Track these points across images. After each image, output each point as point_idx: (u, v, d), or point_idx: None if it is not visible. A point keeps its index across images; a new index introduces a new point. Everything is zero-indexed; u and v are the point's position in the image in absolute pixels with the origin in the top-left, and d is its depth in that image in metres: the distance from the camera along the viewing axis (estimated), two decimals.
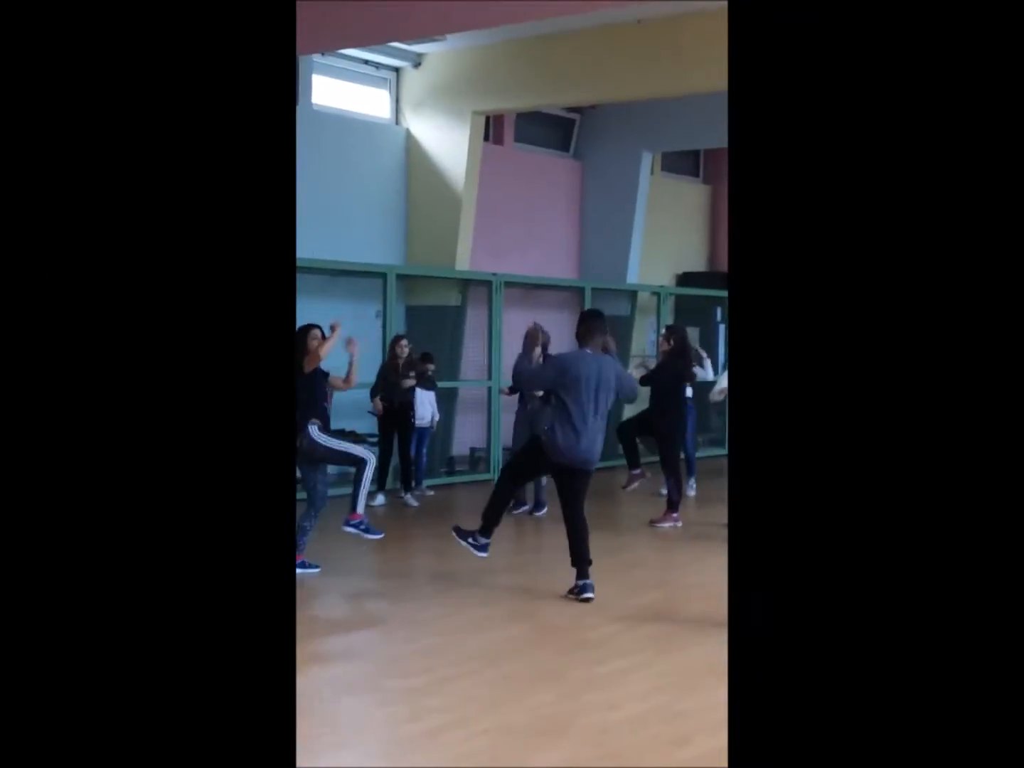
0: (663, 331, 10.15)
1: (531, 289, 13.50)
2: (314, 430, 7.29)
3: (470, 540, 7.13)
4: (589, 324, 7.02)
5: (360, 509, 7.44)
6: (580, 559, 6.81)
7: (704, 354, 10.59)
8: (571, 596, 6.74)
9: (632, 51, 11.27)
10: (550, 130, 14.86)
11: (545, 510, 9.82)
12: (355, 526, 7.50)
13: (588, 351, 6.92)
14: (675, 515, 9.46)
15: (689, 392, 10.62)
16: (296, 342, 7.16)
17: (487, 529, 7.10)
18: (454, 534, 7.21)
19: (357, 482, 7.44)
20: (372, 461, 7.45)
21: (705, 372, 10.71)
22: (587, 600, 6.69)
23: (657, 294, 14.59)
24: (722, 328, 15.40)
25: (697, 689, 5.12)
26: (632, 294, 14.53)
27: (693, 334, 15.25)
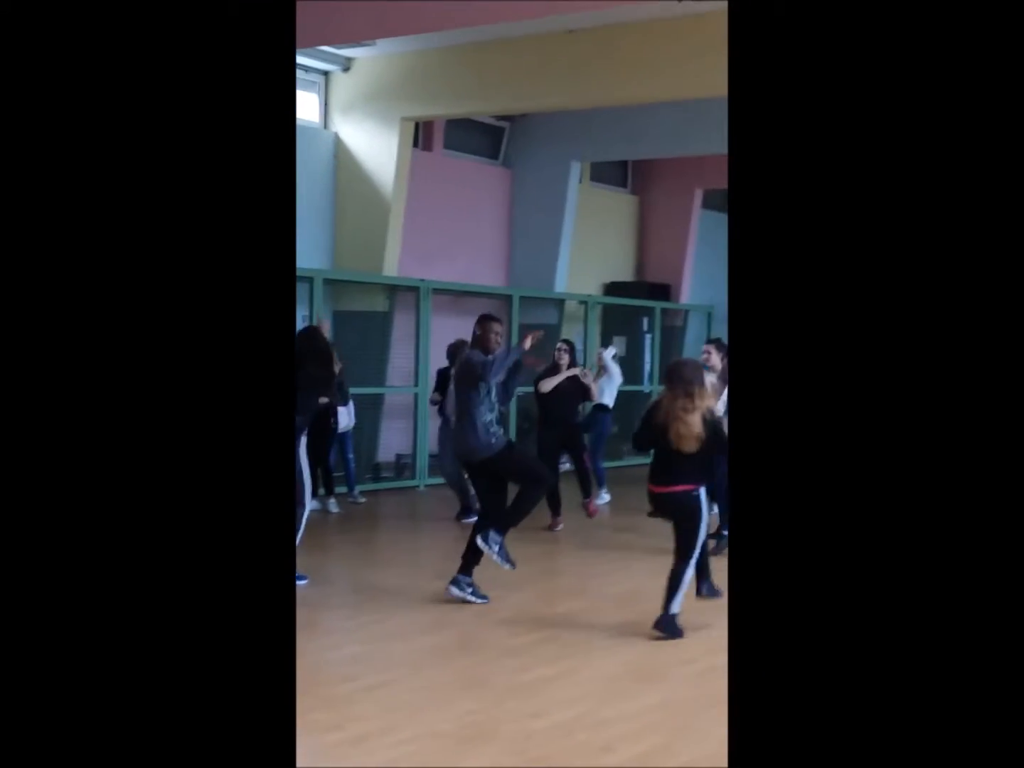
0: (561, 345, 10.09)
1: (459, 296, 13.49)
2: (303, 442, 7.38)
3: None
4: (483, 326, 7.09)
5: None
6: (505, 518, 6.81)
7: (587, 370, 10.47)
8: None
9: (562, 61, 11.32)
10: (480, 138, 14.87)
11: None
12: None
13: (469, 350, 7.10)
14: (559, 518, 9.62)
15: (610, 402, 10.72)
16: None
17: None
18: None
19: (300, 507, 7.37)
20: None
21: (610, 383, 10.75)
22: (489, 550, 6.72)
23: (585, 303, 14.66)
24: (648, 338, 15.50)
25: (620, 696, 5.15)
26: (560, 303, 14.58)
27: (620, 343, 15.38)
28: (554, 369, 9.86)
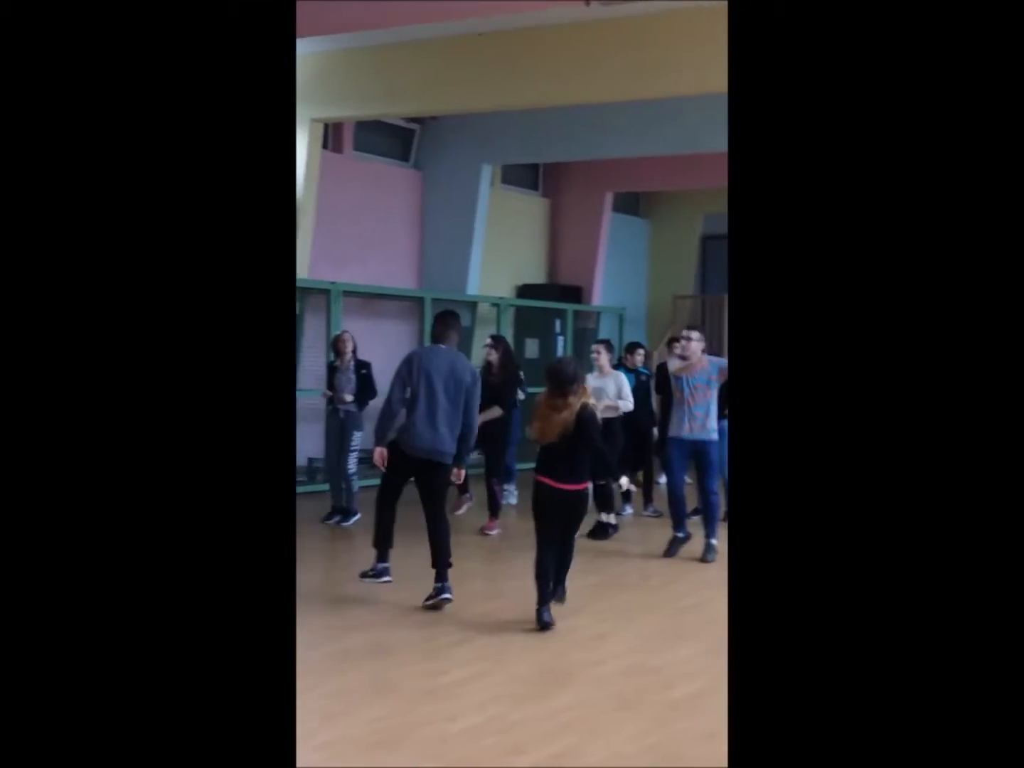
0: (489, 341, 10.13)
1: (370, 298, 13.42)
2: None
3: (370, 575, 7.21)
4: (445, 322, 7.13)
5: None
6: (439, 562, 6.82)
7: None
8: (428, 603, 6.74)
9: (473, 64, 11.33)
10: (390, 139, 14.81)
11: (357, 517, 9.80)
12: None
13: (442, 346, 7.03)
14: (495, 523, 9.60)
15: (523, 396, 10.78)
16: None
17: (382, 554, 7.21)
18: (364, 581, 7.21)
19: None
20: None
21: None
22: (445, 602, 6.73)
23: (497, 305, 14.68)
24: (561, 340, 15.58)
25: (532, 699, 5.17)
26: (472, 305, 14.59)
27: (533, 345, 15.44)
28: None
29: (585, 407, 6.21)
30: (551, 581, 6.34)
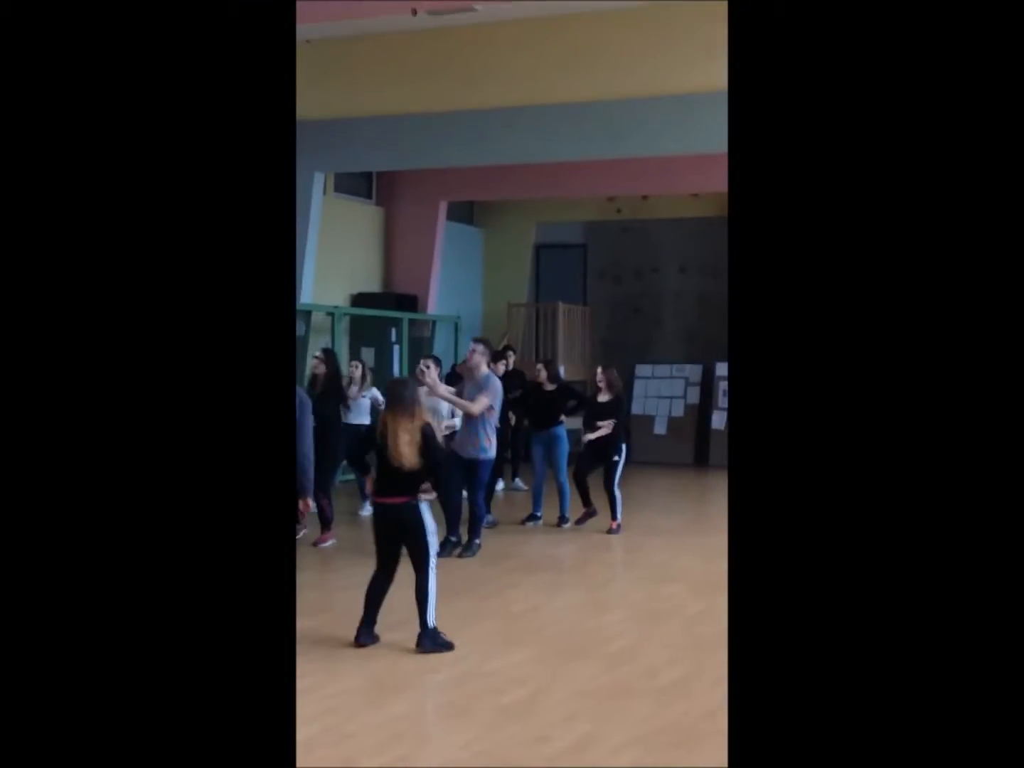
0: (319, 354, 10.06)
1: None
2: None
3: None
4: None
5: None
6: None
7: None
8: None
9: (301, 70, 11.21)
10: None
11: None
12: None
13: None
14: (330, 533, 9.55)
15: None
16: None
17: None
18: None
19: None
20: None
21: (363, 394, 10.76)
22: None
23: (332, 314, 14.56)
24: (396, 348, 15.54)
25: (364, 710, 5.14)
26: (307, 314, 14.43)
27: (368, 354, 15.35)
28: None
29: (427, 426, 6.28)
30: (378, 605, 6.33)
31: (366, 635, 6.25)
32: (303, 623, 6.69)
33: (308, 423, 7.01)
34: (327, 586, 8.21)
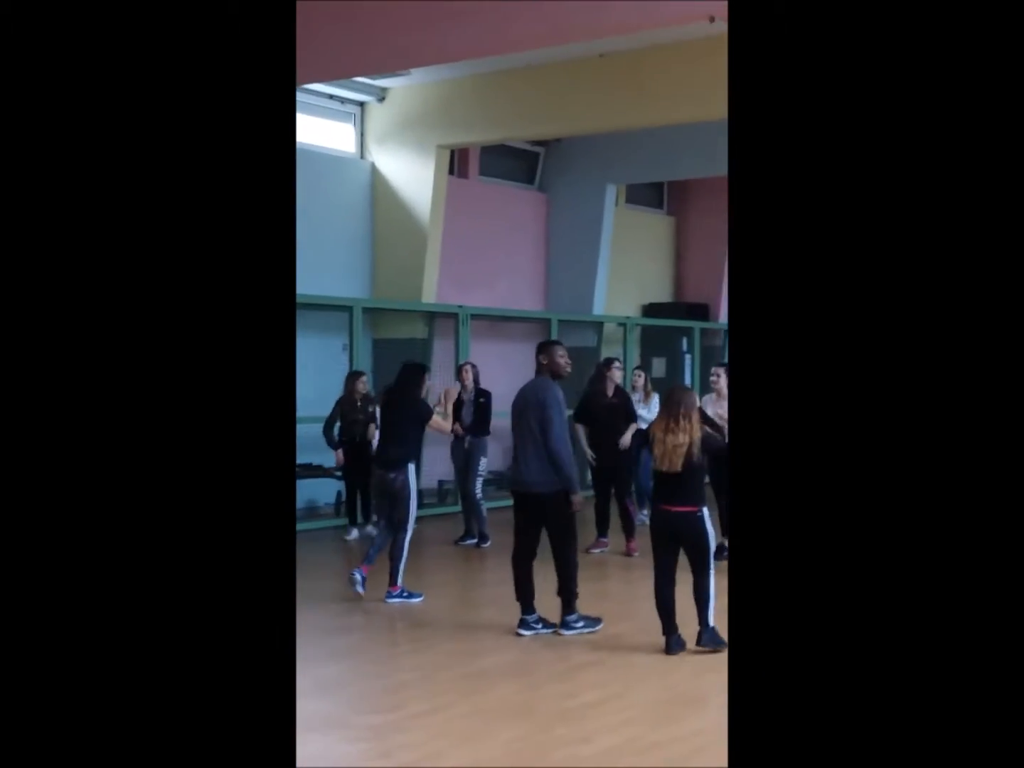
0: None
1: (497, 321, 13.52)
2: (412, 469, 7.70)
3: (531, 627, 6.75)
4: (538, 350, 6.88)
5: (399, 579, 7.64)
6: (565, 590, 6.69)
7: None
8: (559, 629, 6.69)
9: (595, 85, 11.37)
10: (515, 163, 14.93)
11: (489, 542, 9.91)
12: (397, 596, 7.64)
13: (535, 377, 6.83)
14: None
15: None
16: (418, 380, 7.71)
17: (526, 607, 6.76)
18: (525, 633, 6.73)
19: (398, 552, 7.65)
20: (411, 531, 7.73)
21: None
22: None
23: (623, 325, 14.65)
24: (688, 358, 15.47)
25: (669, 720, 5.12)
26: (598, 325, 14.58)
27: (660, 364, 15.35)
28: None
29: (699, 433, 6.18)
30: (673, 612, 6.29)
31: (676, 643, 6.24)
32: (607, 631, 6.74)
33: (549, 416, 6.56)
34: (632, 594, 8.21)
